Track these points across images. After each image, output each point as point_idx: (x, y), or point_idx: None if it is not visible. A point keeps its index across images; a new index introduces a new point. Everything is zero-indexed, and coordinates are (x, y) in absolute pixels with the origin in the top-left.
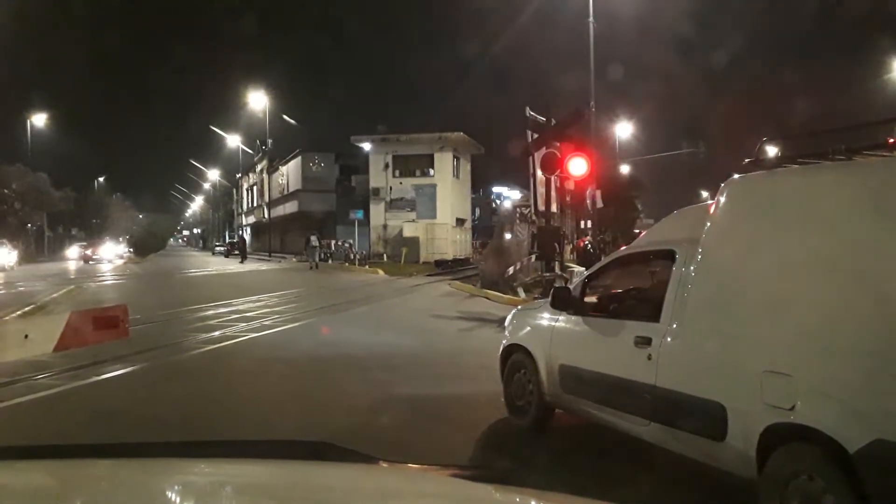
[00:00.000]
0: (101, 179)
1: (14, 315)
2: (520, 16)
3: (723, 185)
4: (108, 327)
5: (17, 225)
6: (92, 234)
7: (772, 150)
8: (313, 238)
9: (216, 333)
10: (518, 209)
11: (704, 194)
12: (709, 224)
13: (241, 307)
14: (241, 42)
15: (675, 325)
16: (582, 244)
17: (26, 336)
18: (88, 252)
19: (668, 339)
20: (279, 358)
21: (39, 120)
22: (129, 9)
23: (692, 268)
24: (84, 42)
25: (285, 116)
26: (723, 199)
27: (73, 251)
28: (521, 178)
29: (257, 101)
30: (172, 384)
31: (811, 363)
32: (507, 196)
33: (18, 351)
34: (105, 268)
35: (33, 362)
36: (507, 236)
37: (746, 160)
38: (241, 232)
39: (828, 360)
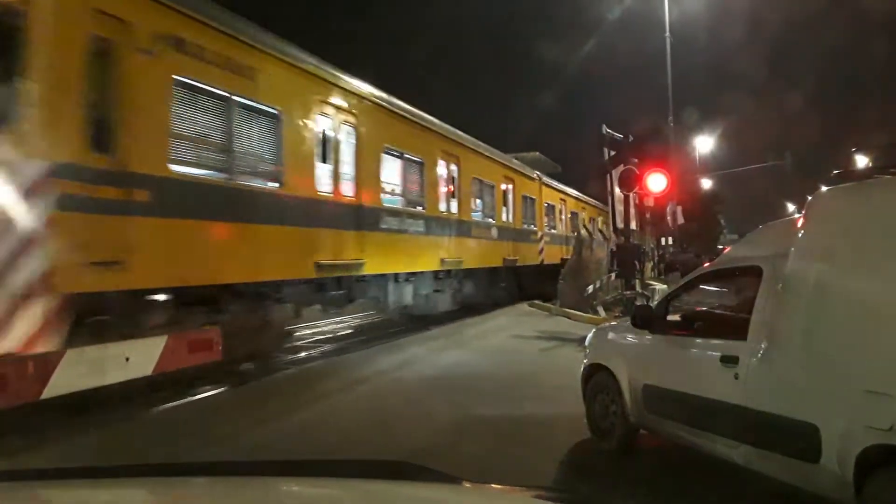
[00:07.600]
0: None
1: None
2: (597, 30)
3: (811, 198)
4: (202, 349)
5: None
6: None
7: (861, 161)
8: None
9: (301, 354)
10: None
11: (791, 208)
12: (797, 239)
13: (324, 328)
14: None
15: (763, 344)
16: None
17: (127, 359)
18: None
19: (757, 358)
20: (360, 378)
21: None
22: None
23: (780, 285)
24: None
25: None
26: (811, 213)
27: None
28: (599, 195)
29: None
30: (261, 404)
31: None
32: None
33: (120, 373)
34: None
35: (134, 384)
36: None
37: (835, 172)
38: None
39: None
